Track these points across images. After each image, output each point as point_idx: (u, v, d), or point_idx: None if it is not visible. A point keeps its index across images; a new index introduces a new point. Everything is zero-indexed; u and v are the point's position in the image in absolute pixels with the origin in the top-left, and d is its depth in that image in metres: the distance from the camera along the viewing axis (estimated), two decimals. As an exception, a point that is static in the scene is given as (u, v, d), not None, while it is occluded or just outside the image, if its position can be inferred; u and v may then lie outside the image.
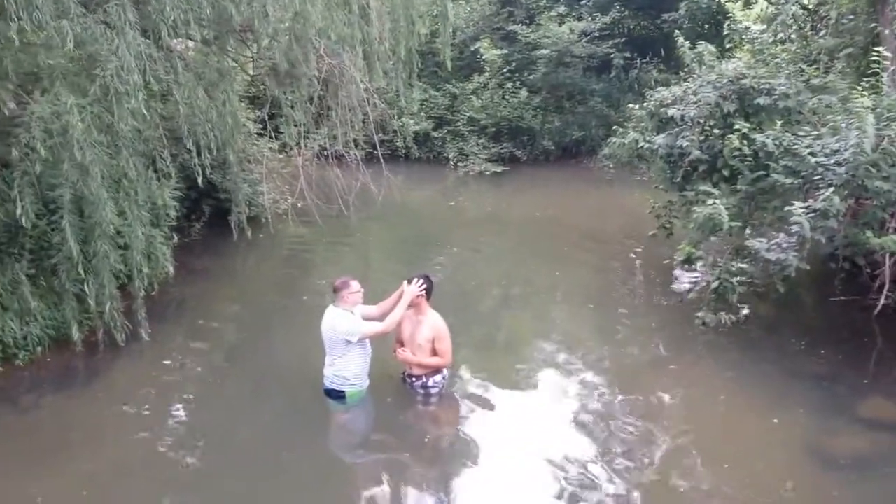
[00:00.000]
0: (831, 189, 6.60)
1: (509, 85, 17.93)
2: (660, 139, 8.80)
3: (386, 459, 5.77)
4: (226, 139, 8.19)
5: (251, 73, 11.13)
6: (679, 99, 8.88)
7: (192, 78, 7.41)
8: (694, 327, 7.54)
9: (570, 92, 18.23)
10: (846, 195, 6.79)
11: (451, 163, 17.32)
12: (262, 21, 7.44)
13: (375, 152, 11.21)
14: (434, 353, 6.32)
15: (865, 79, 7.76)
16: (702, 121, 8.43)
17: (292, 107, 9.33)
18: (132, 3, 6.27)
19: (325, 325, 6.21)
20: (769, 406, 6.38)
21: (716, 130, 8.23)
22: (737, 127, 7.76)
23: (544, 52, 17.33)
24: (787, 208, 6.76)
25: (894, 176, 6.67)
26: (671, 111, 8.66)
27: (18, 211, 6.17)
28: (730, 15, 17.89)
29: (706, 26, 18.42)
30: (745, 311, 7.46)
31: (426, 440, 6.09)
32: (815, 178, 6.96)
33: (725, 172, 8.00)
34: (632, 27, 19.56)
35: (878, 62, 7.65)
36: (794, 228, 6.61)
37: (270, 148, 11.83)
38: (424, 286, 6.31)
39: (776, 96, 8.09)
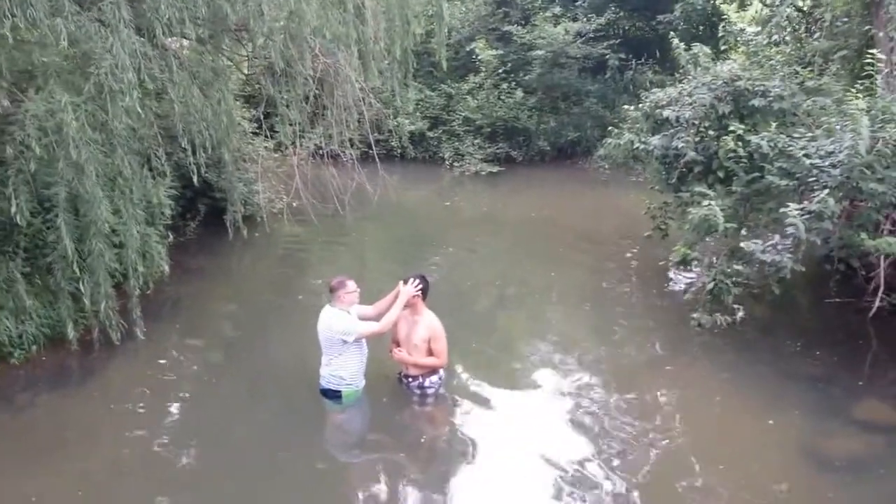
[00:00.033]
0: (826, 191, 6.63)
1: (505, 85, 17.91)
2: (655, 140, 8.83)
3: (382, 459, 5.76)
4: (221, 138, 8.17)
5: (246, 71, 11.13)
6: (674, 100, 8.91)
7: (186, 76, 7.39)
8: (689, 328, 7.58)
9: (565, 93, 18.24)
10: (841, 197, 6.82)
11: (447, 163, 17.31)
12: (257, 20, 7.43)
13: (371, 152, 11.19)
14: (430, 353, 6.32)
15: (860, 81, 7.78)
16: (697, 122, 8.47)
17: (287, 106, 9.30)
18: (127, 2, 6.25)
19: (322, 324, 6.20)
20: (764, 407, 6.39)
21: (711, 132, 8.26)
22: (732, 128, 7.78)
23: (539, 52, 17.34)
24: (781, 210, 6.79)
25: (889, 178, 6.70)
26: (666, 112, 8.69)
27: (13, 209, 6.15)
28: (725, 17, 18.02)
29: (701, 28, 18.50)
30: (741, 313, 7.46)
31: (422, 440, 6.09)
32: (810, 179, 6.99)
33: (720, 174, 8.04)
34: (627, 28, 19.58)
35: (873, 65, 7.67)
36: (789, 230, 6.63)
37: (266, 147, 11.81)
38: (420, 286, 6.30)
39: (771, 98, 8.11)
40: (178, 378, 6.96)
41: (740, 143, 7.65)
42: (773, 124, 7.66)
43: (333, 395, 6.25)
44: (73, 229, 6.47)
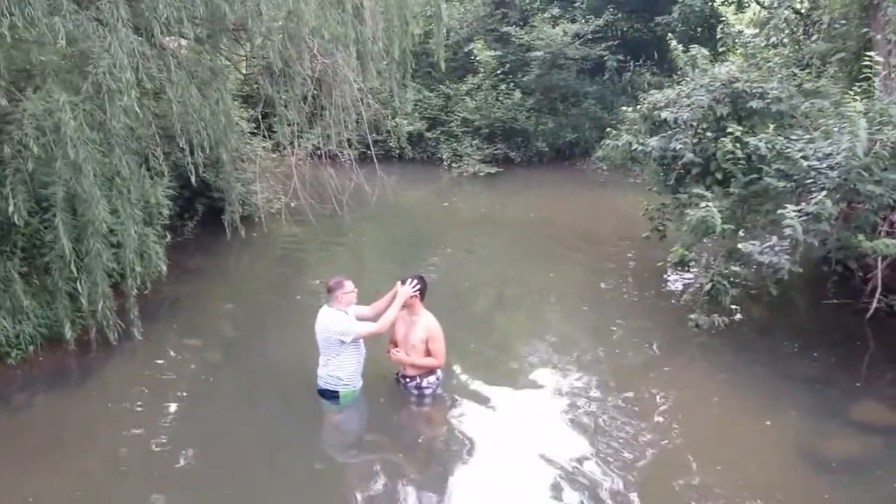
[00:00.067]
0: (824, 193, 6.64)
1: (503, 86, 17.94)
2: (653, 142, 8.83)
3: (379, 459, 5.75)
4: (219, 138, 8.17)
5: (244, 71, 11.11)
6: (672, 102, 8.92)
7: (184, 76, 7.37)
8: (687, 329, 7.58)
9: (563, 94, 18.27)
10: (838, 199, 6.82)
11: (445, 163, 17.33)
12: (256, 19, 7.44)
13: (369, 152, 11.19)
14: (428, 353, 6.32)
15: (857, 83, 7.80)
16: (695, 124, 8.47)
17: (286, 106, 9.30)
18: (125, 1, 6.24)
19: (319, 325, 6.20)
20: (762, 408, 6.40)
21: (709, 133, 8.26)
22: (730, 130, 7.78)
23: (538, 53, 17.36)
24: (779, 211, 6.79)
25: (886, 180, 6.71)
26: (664, 114, 8.70)
27: (11, 209, 6.14)
28: (723, 19, 18.09)
29: (699, 30, 18.55)
30: (739, 314, 7.47)
31: (420, 441, 6.10)
32: (808, 181, 7.00)
33: (718, 175, 8.04)
34: (625, 30, 19.63)
35: (870, 67, 7.68)
36: (787, 231, 6.63)
37: (264, 147, 11.82)
38: (418, 287, 6.30)
39: (769, 100, 8.12)
40: (175, 378, 6.96)
41: (738, 145, 7.66)
42: (771, 126, 7.66)
43: (331, 395, 6.25)
44: (70, 229, 6.46)
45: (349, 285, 6.23)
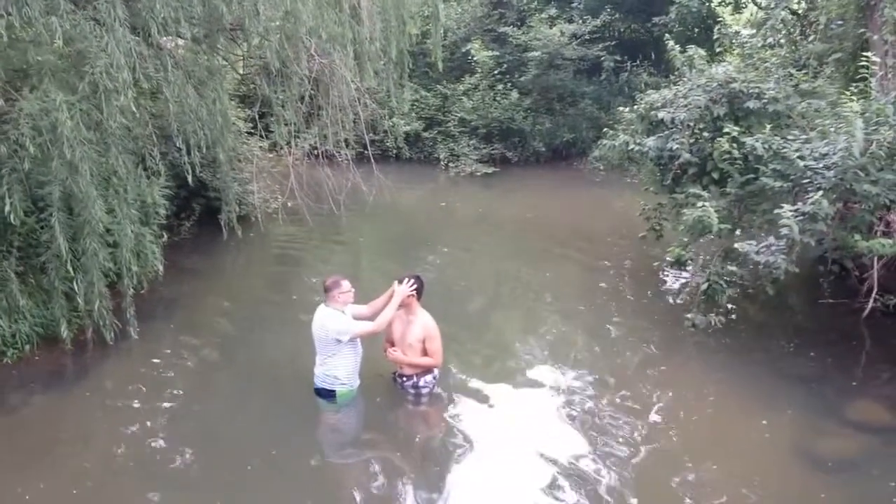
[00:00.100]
0: (820, 192, 6.65)
1: (500, 86, 17.92)
2: (650, 142, 8.84)
3: (376, 459, 5.76)
4: (216, 138, 8.16)
5: (241, 71, 11.09)
6: (669, 102, 8.93)
7: (181, 76, 7.37)
8: (684, 328, 7.61)
9: (560, 94, 18.26)
10: (835, 199, 6.84)
11: (442, 163, 17.32)
12: (253, 19, 7.44)
13: (366, 152, 11.16)
14: (425, 352, 6.32)
15: (854, 84, 7.82)
16: (692, 124, 8.48)
17: (283, 106, 9.29)
18: (122, 0, 6.24)
19: (316, 324, 6.20)
20: (758, 407, 6.42)
21: (705, 134, 8.27)
22: (726, 130, 7.81)
23: (535, 54, 17.35)
24: (776, 211, 6.81)
25: (882, 180, 6.74)
26: (661, 114, 8.71)
27: (7, 208, 6.12)
28: (720, 19, 18.13)
29: (696, 30, 18.56)
30: (735, 314, 7.49)
31: (417, 440, 6.10)
32: (804, 181, 7.01)
33: (715, 175, 8.06)
34: (622, 30, 19.63)
35: (867, 67, 7.70)
36: (783, 231, 6.65)
37: (261, 147, 11.79)
38: (415, 286, 6.30)
39: (765, 100, 8.14)
40: (172, 377, 6.95)
41: (735, 145, 7.68)
42: (768, 126, 7.68)
43: (328, 394, 6.25)
44: (67, 228, 6.45)
45: (346, 284, 6.23)
